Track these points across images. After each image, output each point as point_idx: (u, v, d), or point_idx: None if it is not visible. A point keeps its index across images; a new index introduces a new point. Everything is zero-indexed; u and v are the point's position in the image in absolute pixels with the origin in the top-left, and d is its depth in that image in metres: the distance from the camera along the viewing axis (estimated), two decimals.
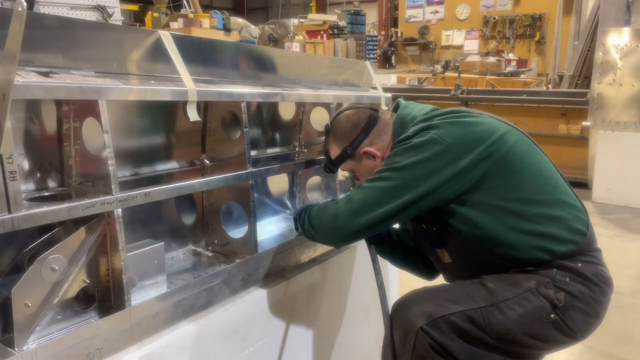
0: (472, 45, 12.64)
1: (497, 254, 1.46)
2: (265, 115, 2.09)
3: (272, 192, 2.15)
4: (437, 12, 13.32)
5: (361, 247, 2.06)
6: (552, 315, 1.39)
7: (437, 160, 1.42)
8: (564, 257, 1.42)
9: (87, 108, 1.27)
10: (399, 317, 1.48)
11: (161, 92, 1.38)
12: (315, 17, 13.30)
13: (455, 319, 1.39)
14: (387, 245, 1.83)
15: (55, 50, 1.25)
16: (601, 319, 1.47)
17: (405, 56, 13.75)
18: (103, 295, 1.30)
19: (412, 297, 1.51)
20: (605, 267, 1.49)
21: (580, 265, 1.42)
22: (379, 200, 1.45)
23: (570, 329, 1.41)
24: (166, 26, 8.22)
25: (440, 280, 1.78)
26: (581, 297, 1.41)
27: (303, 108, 2.13)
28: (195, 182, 1.48)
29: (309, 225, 1.62)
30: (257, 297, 1.65)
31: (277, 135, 2.15)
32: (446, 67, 8.66)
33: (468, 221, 1.46)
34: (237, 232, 1.80)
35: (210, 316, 1.49)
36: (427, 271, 1.84)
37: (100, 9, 5.65)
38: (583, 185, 5.51)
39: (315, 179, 2.21)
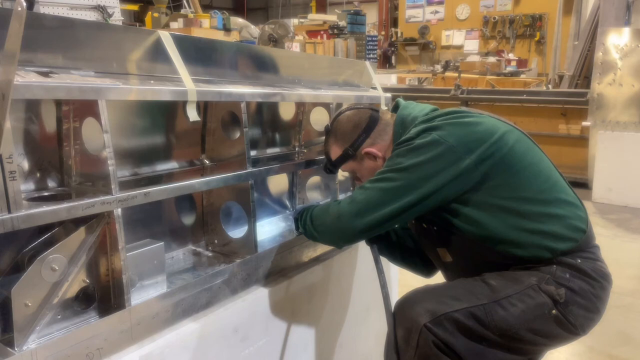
0: (472, 45, 12.64)
1: (499, 252, 1.46)
2: (265, 115, 2.09)
3: (272, 192, 2.15)
4: (437, 12, 13.32)
5: (362, 247, 2.06)
6: (554, 311, 1.40)
7: (439, 161, 1.43)
8: (563, 254, 1.43)
9: (86, 108, 1.27)
10: (402, 315, 1.48)
11: (161, 92, 1.38)
12: (315, 17, 13.28)
13: (459, 316, 1.39)
14: (386, 244, 1.84)
15: (55, 50, 1.25)
16: (601, 315, 1.48)
17: (405, 56, 13.74)
18: (103, 295, 1.30)
19: (415, 296, 1.51)
20: (603, 263, 1.51)
21: (579, 261, 1.43)
22: (382, 201, 1.46)
23: (572, 325, 1.42)
24: (166, 26, 8.21)
25: (438, 277, 1.78)
26: (581, 293, 1.42)
27: (303, 108, 2.13)
28: (195, 182, 1.48)
29: (311, 225, 1.62)
30: (257, 297, 1.65)
31: (277, 135, 2.15)
32: (446, 67, 8.66)
33: (469, 220, 1.46)
34: (237, 232, 1.80)
35: (210, 316, 1.49)
36: (425, 269, 1.86)
37: (100, 9, 5.64)
38: (583, 185, 5.51)
39: (315, 179, 2.21)
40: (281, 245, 1.78)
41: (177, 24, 8.07)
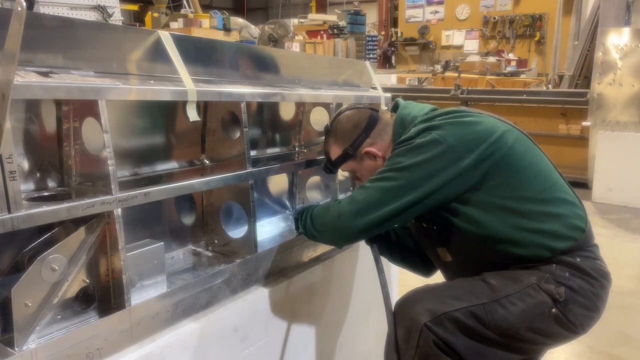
0: (472, 45, 12.63)
1: (498, 251, 1.47)
2: (265, 115, 2.09)
3: (272, 192, 2.15)
4: (437, 12, 13.32)
5: (362, 247, 2.06)
6: (554, 310, 1.40)
7: (439, 160, 1.43)
8: (563, 253, 1.44)
9: (86, 108, 1.27)
10: (402, 315, 1.48)
11: (161, 92, 1.38)
12: (315, 17, 13.28)
13: (459, 316, 1.40)
14: (386, 244, 1.84)
15: (55, 50, 1.25)
16: (601, 313, 1.48)
17: (405, 56, 13.74)
18: (103, 295, 1.30)
19: (415, 295, 1.51)
20: (603, 261, 1.51)
21: (579, 260, 1.44)
22: (382, 200, 1.46)
23: (572, 323, 1.42)
24: (166, 26, 8.22)
25: (438, 277, 1.78)
26: (581, 292, 1.42)
27: (303, 108, 2.13)
28: (195, 182, 1.48)
29: (311, 225, 1.62)
30: (257, 297, 1.65)
31: (277, 135, 2.15)
32: (446, 67, 8.65)
33: (469, 220, 1.47)
34: (237, 232, 1.80)
35: (210, 316, 1.49)
36: (425, 269, 1.86)
37: (100, 9, 5.64)
38: (583, 185, 5.51)
39: (315, 179, 2.21)
40: (281, 245, 1.78)
41: (177, 24, 8.07)
